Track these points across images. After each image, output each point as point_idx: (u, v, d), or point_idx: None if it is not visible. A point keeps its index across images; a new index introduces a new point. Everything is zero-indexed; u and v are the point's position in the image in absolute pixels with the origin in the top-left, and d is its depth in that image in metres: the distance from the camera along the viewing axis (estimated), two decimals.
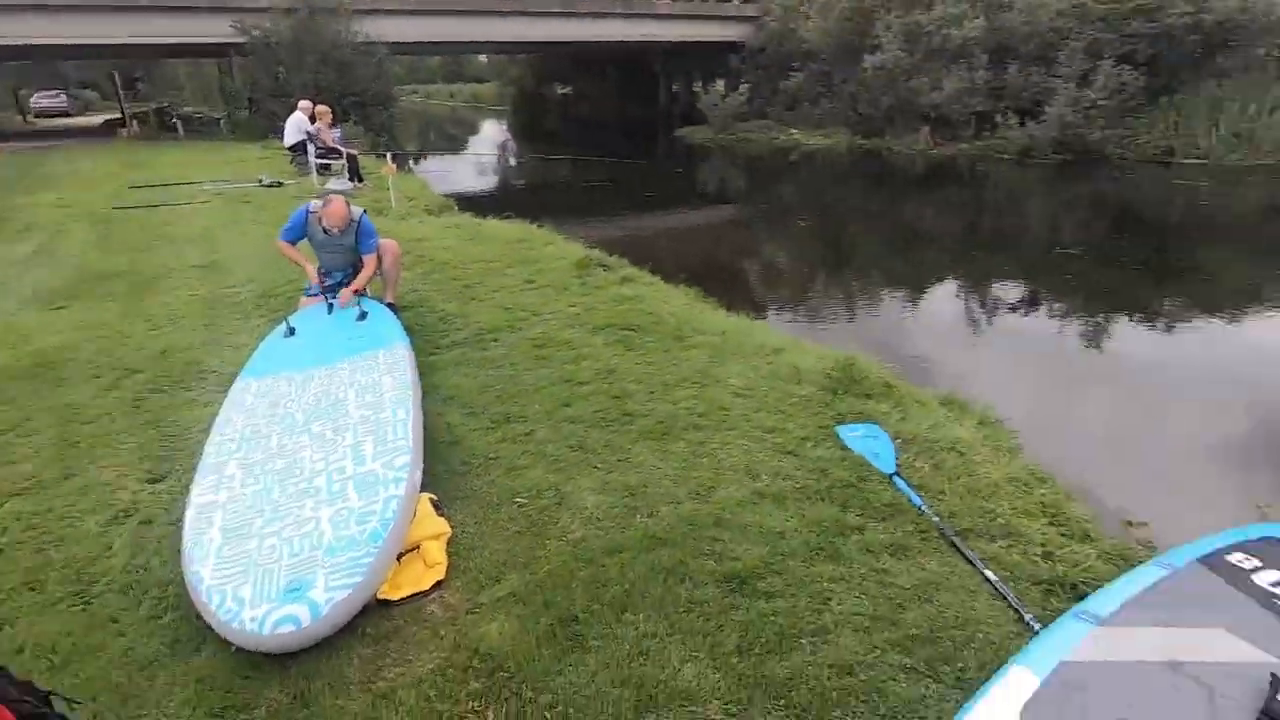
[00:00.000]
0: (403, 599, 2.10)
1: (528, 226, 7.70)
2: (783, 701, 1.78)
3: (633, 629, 1.99)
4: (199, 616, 1.99)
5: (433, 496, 2.52)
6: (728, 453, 2.97)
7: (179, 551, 2.16)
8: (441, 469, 2.80)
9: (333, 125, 11.25)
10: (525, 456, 2.92)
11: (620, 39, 22.11)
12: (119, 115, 24.65)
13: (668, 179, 16.49)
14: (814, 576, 2.22)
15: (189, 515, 2.25)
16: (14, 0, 15.40)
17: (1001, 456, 3.13)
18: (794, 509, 2.58)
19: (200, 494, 2.34)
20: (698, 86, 22.31)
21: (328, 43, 16.46)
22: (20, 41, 16.08)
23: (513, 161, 21.98)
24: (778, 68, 21.06)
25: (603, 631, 1.99)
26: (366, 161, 11.39)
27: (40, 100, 30.55)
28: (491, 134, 31.50)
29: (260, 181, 10.12)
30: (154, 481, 2.80)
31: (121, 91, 25.21)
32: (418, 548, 2.25)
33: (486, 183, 17.20)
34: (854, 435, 3.14)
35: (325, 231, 4.03)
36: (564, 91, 38.73)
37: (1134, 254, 8.86)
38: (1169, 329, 6.25)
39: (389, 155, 9.12)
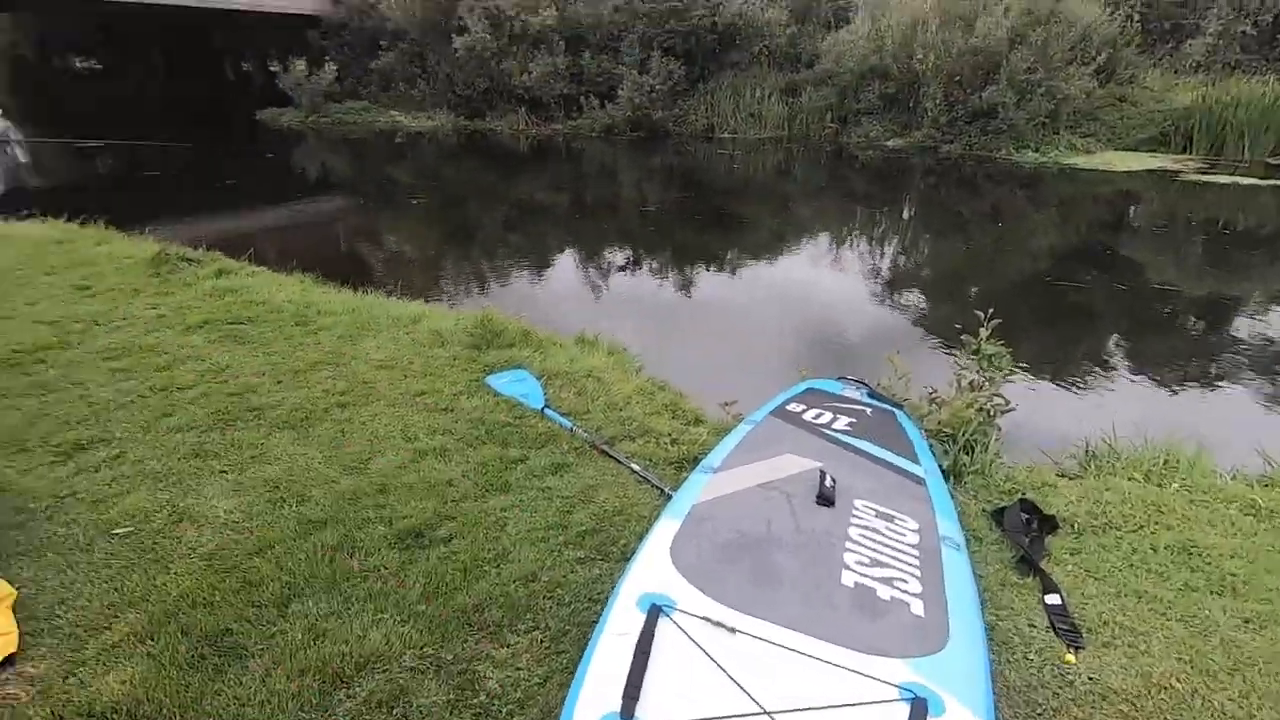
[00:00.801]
0: None
1: (66, 226, 6.07)
2: (476, 625, 1.81)
3: (302, 618, 1.80)
4: None
5: None
6: (380, 424, 2.83)
7: None
8: None
9: None
10: (118, 482, 2.36)
11: (162, 4, 18.36)
12: None
13: (254, 166, 14.47)
14: (488, 511, 2.28)
15: None
16: None
17: (630, 376, 3.59)
18: (458, 459, 2.60)
19: None
20: (275, 65, 19.81)
21: None
22: None
23: (19, 154, 16.80)
24: (364, 46, 19.93)
25: (266, 632, 1.75)
26: None
27: None
28: None
29: None
30: None
31: None
32: None
33: None
34: (503, 382, 3.27)
35: None
36: (86, 65, 30.86)
37: (696, 208, 10.84)
38: (732, 266, 7.84)
39: None
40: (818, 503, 2.04)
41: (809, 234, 9.33)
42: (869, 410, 2.85)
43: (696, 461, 2.69)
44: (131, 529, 2.12)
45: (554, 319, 5.19)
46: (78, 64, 31.19)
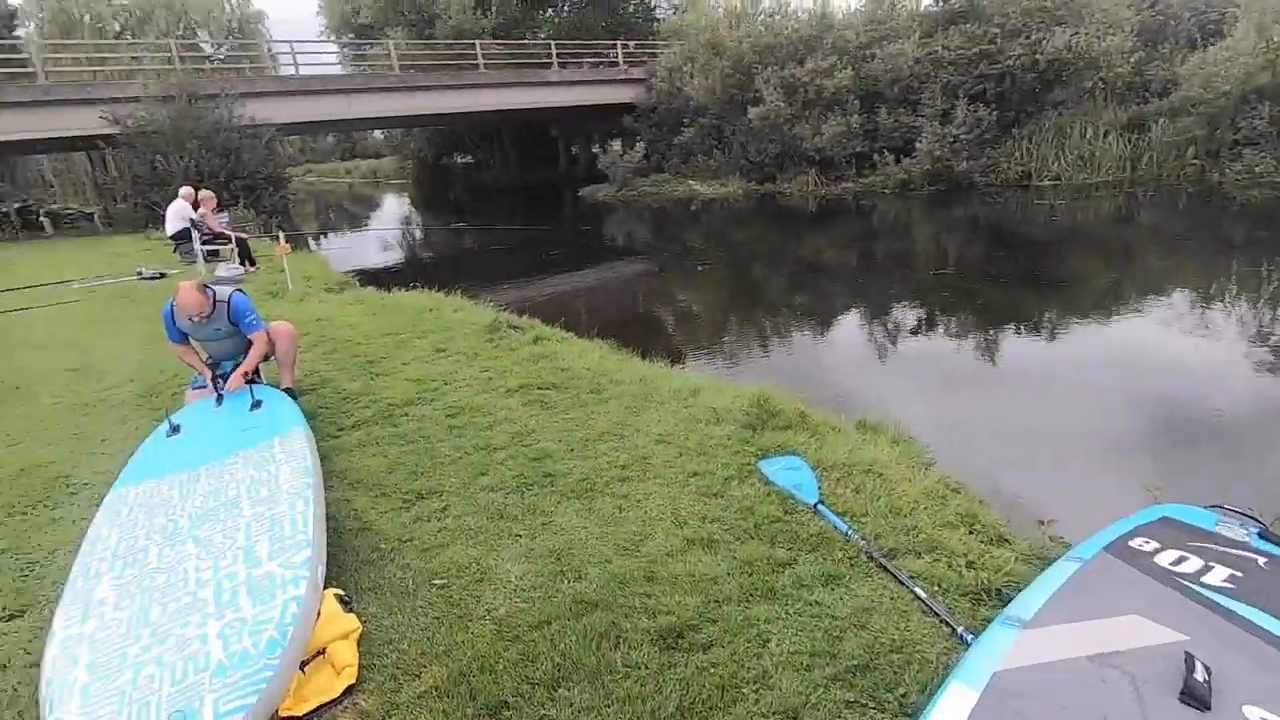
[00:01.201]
0: (309, 713, 1.89)
1: (436, 296, 7.56)
2: None
3: (567, 706, 1.86)
4: None
5: (339, 592, 2.32)
6: (653, 502, 2.91)
7: (36, 700, 1.87)
8: (349, 560, 2.60)
9: (219, 210, 10.82)
10: (442, 534, 2.76)
11: (514, 107, 22.54)
12: None
13: (574, 237, 16.70)
14: (750, 619, 2.16)
15: (50, 653, 1.97)
16: None
17: (917, 472, 3.21)
18: (725, 552, 2.53)
19: (64, 626, 2.06)
20: (596, 147, 22.98)
21: (210, 126, 15.96)
22: None
23: (417, 234, 21.73)
24: (670, 124, 21.98)
25: (535, 714, 1.85)
26: (259, 244, 10.96)
27: None
28: (393, 208, 31.12)
29: (140, 274, 9.52)
30: (10, 619, 2.46)
31: None
32: (324, 651, 2.05)
33: (391, 257, 16.86)
34: (776, 469, 3.15)
35: (192, 321, 3.79)
36: (465, 161, 38.97)
37: (1008, 268, 9.59)
38: (1049, 335, 6.72)
39: (281, 236, 8.80)
40: (1182, 700, 1.53)
41: (1159, 295, 7.63)
42: (1262, 561, 2.13)
43: (999, 595, 2.26)
44: (446, 582, 2.44)
45: (834, 395, 4.94)
46: (459, 160, 39.54)
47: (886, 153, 17.65)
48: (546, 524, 2.78)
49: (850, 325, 7.81)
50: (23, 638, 2.33)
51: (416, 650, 2.12)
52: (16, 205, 23.17)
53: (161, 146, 15.53)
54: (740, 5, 23.42)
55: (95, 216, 19.37)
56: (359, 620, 2.22)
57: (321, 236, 20.42)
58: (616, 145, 22.49)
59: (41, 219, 20.44)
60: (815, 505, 2.83)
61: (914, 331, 7.19)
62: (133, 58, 20.72)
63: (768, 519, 2.72)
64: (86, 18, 29.51)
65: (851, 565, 2.44)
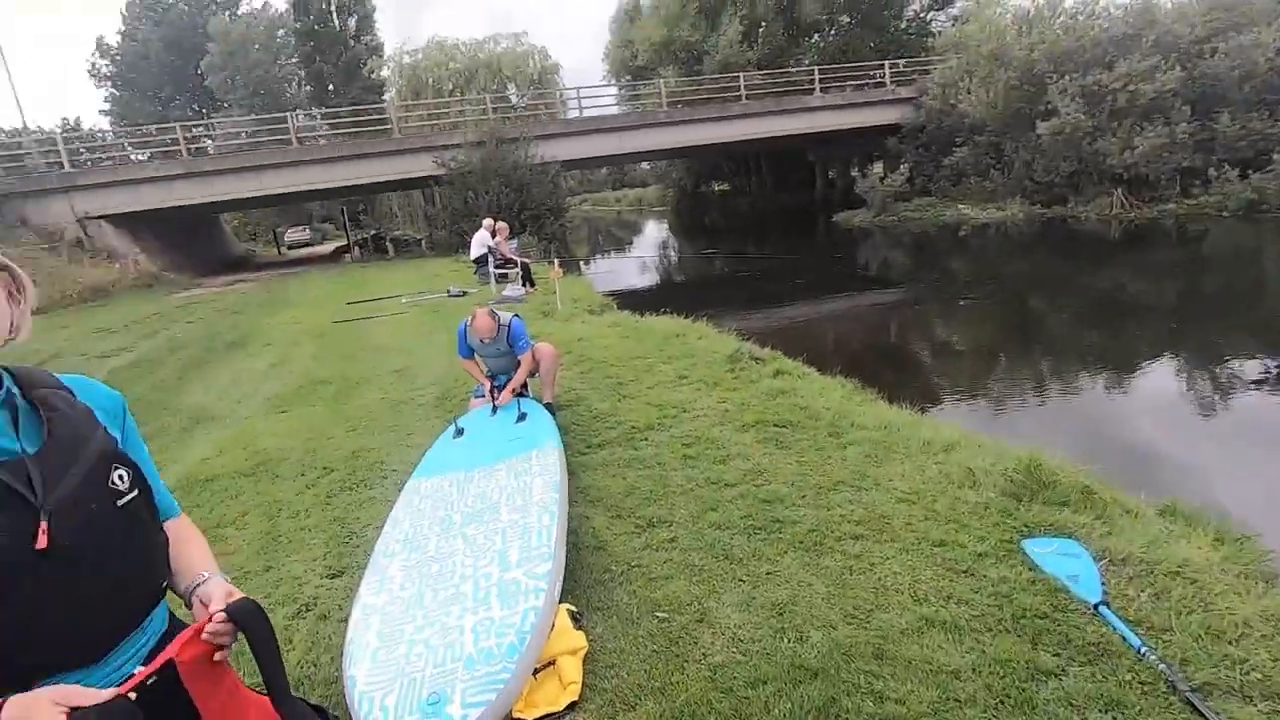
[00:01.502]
0: (537, 719, 2.06)
1: (684, 321, 7.87)
2: None
3: None
4: None
5: (571, 608, 2.50)
6: (889, 569, 2.67)
7: (342, 651, 2.30)
8: (584, 577, 2.79)
9: (510, 238, 12.53)
10: (668, 565, 2.83)
11: (773, 135, 22.74)
12: (345, 243, 29.33)
13: (825, 264, 16.25)
14: None
15: (354, 615, 2.41)
16: (278, 160, 19.23)
17: (1252, 585, 2.51)
18: (971, 643, 2.22)
19: (365, 594, 2.51)
20: (855, 171, 22.21)
21: (509, 166, 18.62)
22: (281, 190, 19.93)
23: (673, 259, 22.93)
24: (940, 144, 20.42)
25: None
26: (538, 268, 12.46)
27: (291, 234, 37.29)
28: (653, 234, 33.30)
29: (449, 292, 11.39)
30: (333, 577, 3.06)
31: (348, 222, 30.13)
32: (553, 663, 2.22)
33: (647, 281, 18.02)
34: (1045, 552, 2.70)
35: (481, 341, 4.42)
36: (721, 189, 40.28)
37: None
38: None
39: (555, 261, 9.89)
40: None
41: None
42: None
43: None
44: (668, 616, 2.49)
45: (1130, 468, 4.12)
46: (715, 187, 41.00)
47: (1227, 167, 14.39)
48: (771, 573, 2.70)
49: (1160, 379, 6.45)
50: (339, 595, 2.88)
51: (635, 681, 2.19)
52: (372, 233, 29.20)
53: (473, 184, 18.49)
54: (1034, 8, 20.97)
55: (423, 242, 23.70)
56: (586, 638, 2.36)
57: (591, 260, 22.56)
58: (877, 168, 21.46)
59: (387, 243, 25.49)
60: (1096, 606, 2.35)
61: (1256, 392, 5.70)
62: (459, 111, 25.06)
63: (1030, 612, 2.34)
64: (430, 80, 36.40)
65: (1144, 693, 1.98)
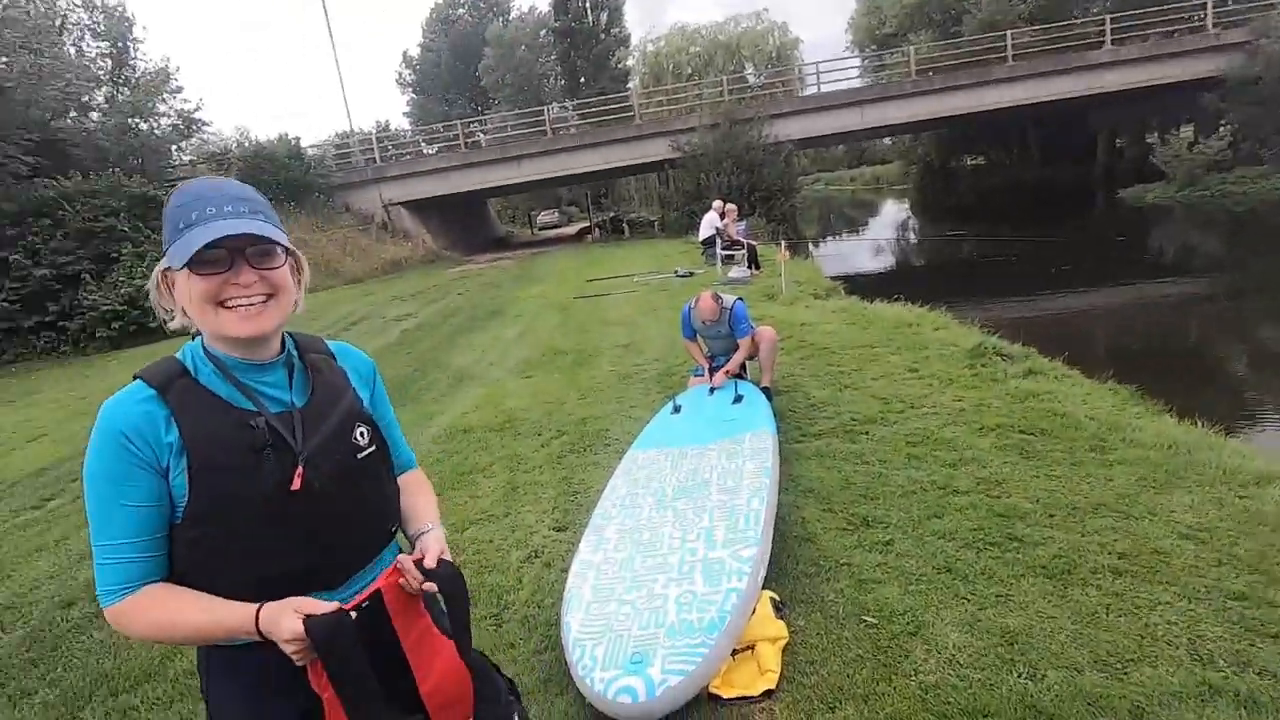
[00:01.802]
0: (732, 699, 2.08)
1: (918, 310, 7.28)
2: None
3: None
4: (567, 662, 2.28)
5: (774, 596, 2.47)
6: (1161, 616, 2.23)
7: (561, 598, 2.52)
8: (790, 567, 2.74)
9: (738, 219, 12.55)
10: (881, 569, 2.66)
11: (1046, 99, 19.81)
12: (587, 224, 31.69)
13: (1100, 248, 13.87)
14: None
15: (573, 567, 2.63)
16: (534, 149, 21.31)
17: None
18: None
19: (584, 550, 2.72)
20: (1153, 137, 18.52)
21: (742, 147, 18.61)
22: (535, 177, 22.10)
23: (911, 241, 21.26)
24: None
25: None
26: (765, 250, 12.33)
27: (543, 217, 41.23)
28: (891, 214, 31.12)
29: (676, 273, 11.77)
30: (559, 530, 3.37)
31: (590, 205, 32.48)
32: (752, 648, 2.21)
33: (880, 264, 16.93)
34: None
35: (703, 323, 4.49)
36: (974, 162, 36.29)
37: None
38: None
39: (783, 243, 9.71)
40: None
41: None
42: None
43: None
44: (877, 622, 2.35)
45: None
46: (967, 162, 37.05)
47: None
48: (1003, 596, 2.41)
49: None
50: (562, 547, 3.17)
51: (835, 682, 2.11)
52: (611, 215, 31.17)
53: (706, 166, 18.81)
54: None
55: (656, 224, 24.73)
56: (788, 629, 2.32)
57: (820, 241, 21.79)
58: (1185, 132, 17.67)
59: (624, 225, 27.04)
60: None
61: None
62: (695, 95, 25.56)
63: None
64: (670, 65, 37.58)
65: None
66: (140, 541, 0.96)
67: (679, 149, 19.69)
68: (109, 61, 21.63)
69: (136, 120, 19.39)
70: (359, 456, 1.09)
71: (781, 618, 2.36)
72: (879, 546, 2.82)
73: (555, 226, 39.57)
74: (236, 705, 1.07)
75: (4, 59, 14.84)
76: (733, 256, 11.56)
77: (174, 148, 21.25)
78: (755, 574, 2.39)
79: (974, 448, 3.64)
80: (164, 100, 20.86)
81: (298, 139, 21.85)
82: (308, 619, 0.91)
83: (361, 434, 1.10)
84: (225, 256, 0.98)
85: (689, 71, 36.79)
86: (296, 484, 0.98)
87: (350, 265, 18.52)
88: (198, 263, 0.96)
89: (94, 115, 19.53)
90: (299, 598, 0.95)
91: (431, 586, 1.07)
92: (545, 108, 24.38)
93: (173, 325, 1.05)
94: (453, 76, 44.88)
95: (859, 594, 2.52)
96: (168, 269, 1.01)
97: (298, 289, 1.10)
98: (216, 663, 1.07)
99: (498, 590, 2.89)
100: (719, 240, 11.63)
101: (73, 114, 18.20)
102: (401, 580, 1.06)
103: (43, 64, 15.49)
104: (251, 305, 1.00)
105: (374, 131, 34.71)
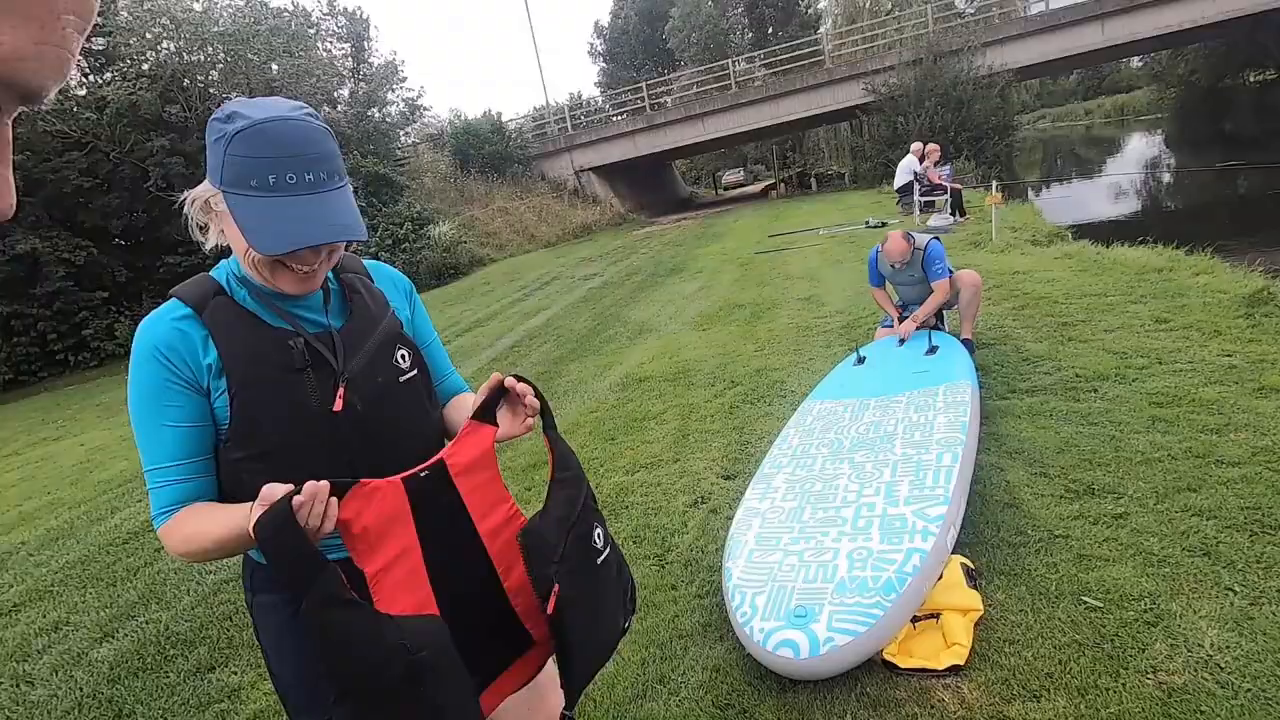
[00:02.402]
0: (910, 669, 1.84)
1: (1171, 253, 6.04)
2: None
3: None
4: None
5: (967, 562, 2.14)
6: None
7: (724, 544, 2.41)
8: (988, 533, 2.37)
9: (941, 163, 11.29)
10: (1109, 545, 2.21)
11: None
12: (773, 181, 30.66)
13: None
14: None
15: (738, 514, 2.50)
16: (718, 105, 20.87)
17: None
18: None
19: (750, 498, 2.58)
20: None
21: (947, 83, 16.66)
22: (718, 135, 21.72)
23: (1164, 178, 17.80)
24: None
25: None
26: (973, 195, 11.00)
27: (727, 176, 40.62)
28: (1137, 149, 26.30)
29: (866, 223, 10.93)
30: (727, 478, 3.25)
31: (776, 162, 31.31)
32: (937, 616, 1.94)
33: (1121, 207, 14.38)
34: None
35: (892, 267, 4.03)
36: (1260, 77, 29.40)
37: None
38: None
39: (994, 186, 8.55)
40: None
41: None
42: None
43: None
44: (1101, 605, 1.95)
45: None
46: (1249, 79, 30.13)
47: None
48: None
49: None
50: (729, 495, 3.05)
51: (1042, 667, 1.78)
52: (797, 170, 29.91)
53: (904, 108, 17.15)
54: None
55: (845, 176, 23.26)
56: (981, 601, 2.00)
57: (1042, 186, 19.04)
58: None
59: (811, 179, 25.79)
60: None
61: None
62: (895, 29, 23.30)
63: None
64: (866, 3, 34.61)
65: None
66: (186, 464, 0.96)
67: (873, 91, 18.12)
68: (350, 60, 24.72)
69: (372, 110, 22.00)
70: (401, 380, 1.04)
71: (975, 588, 2.05)
72: (1108, 520, 2.34)
73: (740, 185, 38.80)
74: (279, 613, 1.05)
75: (274, 64, 17.53)
76: (933, 203, 10.46)
77: (401, 132, 23.86)
78: (943, 536, 2.09)
79: (1248, 410, 2.90)
80: (393, 90, 23.43)
81: (499, 114, 23.46)
82: (256, 521, 0.83)
83: (403, 356, 1.06)
84: None
85: (889, 6, 33.64)
86: (338, 404, 0.95)
87: (545, 230, 19.66)
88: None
89: (340, 108, 22.51)
90: (269, 485, 0.85)
91: (528, 388, 1.01)
92: (729, 61, 23.71)
93: (208, 245, 0.99)
94: (640, 42, 45.33)
95: (1078, 571, 2.11)
96: (210, 198, 0.94)
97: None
98: (256, 573, 1.08)
99: (663, 532, 2.86)
100: (917, 186, 10.57)
101: (325, 108, 21.14)
102: (510, 383, 1.01)
103: (299, 64, 18.07)
104: (309, 270, 0.96)
105: (567, 103, 36.31)
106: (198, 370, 0.94)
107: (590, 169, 22.79)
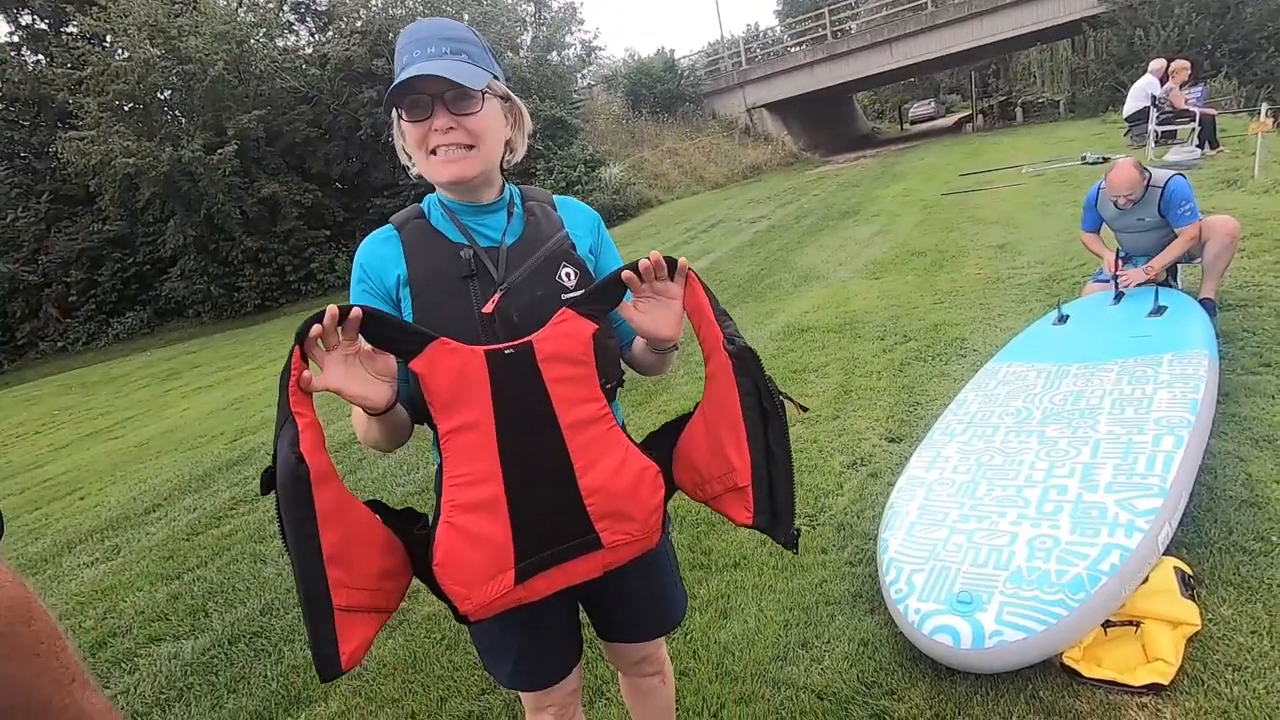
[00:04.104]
0: (1096, 680, 1.60)
1: None
2: None
3: None
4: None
5: (1184, 567, 1.81)
6: None
7: (882, 513, 2.25)
8: (1215, 535, 1.99)
9: (1190, 83, 9.38)
10: None
11: None
12: (968, 113, 27.48)
13: None
14: None
15: (900, 482, 2.31)
16: (910, 29, 18.89)
17: None
18: None
19: (916, 466, 2.37)
20: None
21: None
22: (908, 62, 19.71)
23: None
24: None
25: None
26: (1231, 123, 9.07)
27: (915, 109, 37.08)
28: None
29: (1084, 159, 9.44)
30: (891, 441, 3.03)
31: (975, 90, 27.91)
32: (1137, 625, 1.67)
33: None
34: None
35: (1116, 205, 3.39)
36: None
37: None
38: None
39: (1263, 110, 6.94)
40: None
41: None
42: None
43: None
44: None
45: None
46: None
47: None
48: None
49: None
50: (893, 459, 2.84)
51: (1276, 703, 1.47)
52: (1000, 99, 26.55)
53: (1145, 18, 14.42)
54: None
55: (1060, 104, 20.20)
56: (1199, 614, 1.69)
57: None
58: None
59: (1016, 109, 22.78)
60: None
61: None
62: None
63: None
64: None
65: None
66: None
67: (1107, 1, 15.37)
68: (531, 5, 25.37)
69: (551, 54, 22.54)
70: (564, 297, 1.06)
71: (1191, 598, 1.73)
72: None
73: (930, 119, 35.27)
74: None
75: (465, 14, 18.46)
76: (1174, 133, 8.77)
77: (577, 75, 24.27)
78: (1155, 533, 1.77)
79: None
80: (571, 32, 23.78)
81: (672, 51, 23.01)
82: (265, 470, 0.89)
83: (568, 274, 1.09)
84: (428, 101, 1.00)
85: None
86: (489, 307, 1.01)
87: (713, 171, 19.27)
88: (409, 108, 1.00)
89: (522, 53, 23.32)
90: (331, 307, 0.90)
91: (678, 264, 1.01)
92: None
93: (413, 172, 1.09)
94: None
95: None
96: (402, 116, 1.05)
97: (515, 134, 1.12)
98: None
99: (816, 492, 2.73)
100: (1154, 112, 8.89)
101: (509, 54, 22.00)
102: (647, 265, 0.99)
103: (487, 12, 18.87)
104: (451, 150, 1.02)
105: (742, 36, 34.75)
106: (389, 282, 1.06)
107: (763, 105, 21.82)
